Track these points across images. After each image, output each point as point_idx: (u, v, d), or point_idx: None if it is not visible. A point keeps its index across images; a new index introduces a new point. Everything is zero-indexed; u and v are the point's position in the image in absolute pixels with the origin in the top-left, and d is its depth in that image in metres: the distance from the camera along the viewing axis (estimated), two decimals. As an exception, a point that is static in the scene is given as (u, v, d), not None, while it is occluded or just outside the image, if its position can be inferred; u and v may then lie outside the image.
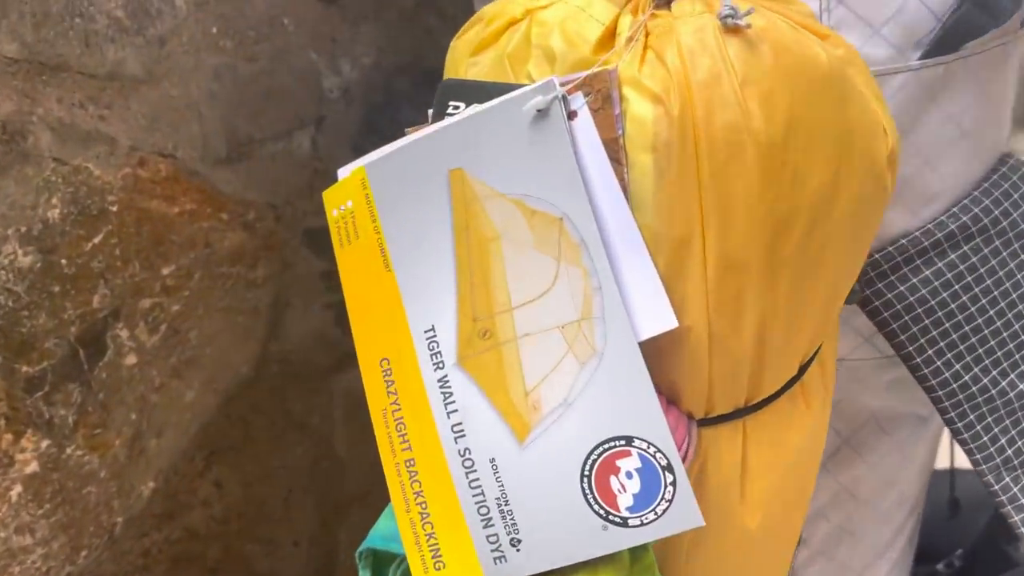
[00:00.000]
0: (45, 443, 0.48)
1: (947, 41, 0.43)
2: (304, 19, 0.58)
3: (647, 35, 0.34)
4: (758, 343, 0.35)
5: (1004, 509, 0.49)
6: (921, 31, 0.43)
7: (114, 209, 0.48)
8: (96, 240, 0.47)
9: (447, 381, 0.35)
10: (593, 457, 0.33)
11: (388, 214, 0.36)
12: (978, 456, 0.49)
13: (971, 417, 0.48)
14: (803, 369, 0.39)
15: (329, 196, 0.39)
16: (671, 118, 0.32)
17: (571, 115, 0.34)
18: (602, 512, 0.33)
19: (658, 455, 0.33)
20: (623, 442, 0.33)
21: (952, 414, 0.48)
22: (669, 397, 0.36)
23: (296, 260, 0.62)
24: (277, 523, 0.69)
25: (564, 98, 0.34)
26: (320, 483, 0.72)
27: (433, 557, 0.35)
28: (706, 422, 0.37)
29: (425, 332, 0.35)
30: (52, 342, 0.47)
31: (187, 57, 0.50)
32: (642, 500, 0.33)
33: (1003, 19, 0.42)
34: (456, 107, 0.36)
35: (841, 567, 0.61)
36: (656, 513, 0.33)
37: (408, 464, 0.36)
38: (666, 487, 0.33)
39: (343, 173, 0.38)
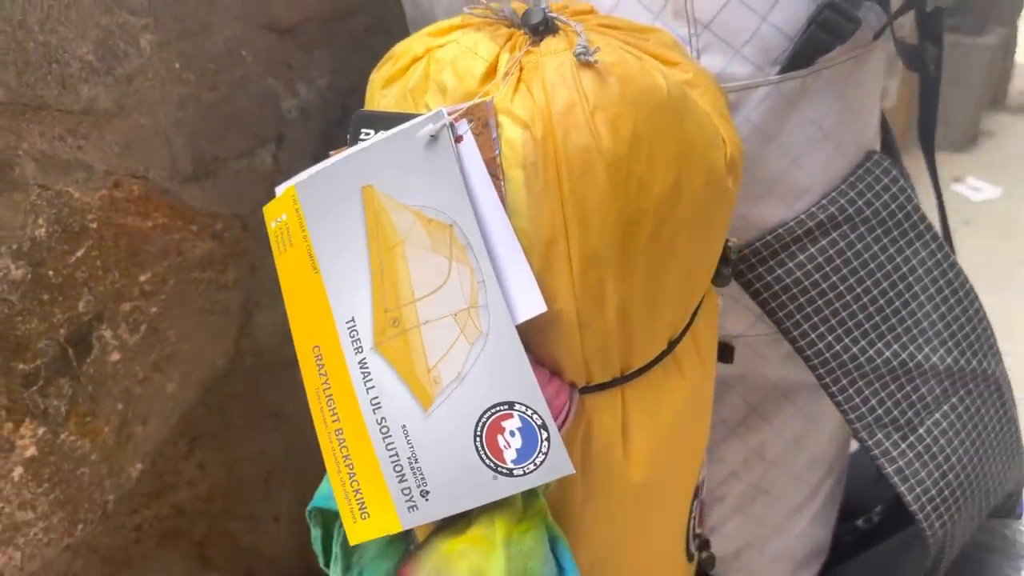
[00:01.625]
0: (41, 430, 0.55)
1: (800, 58, 0.49)
2: (261, 50, 0.65)
3: (521, 70, 0.41)
4: (622, 323, 0.42)
5: (878, 462, 0.56)
6: (776, 50, 0.49)
7: (93, 226, 0.55)
8: (79, 253, 0.55)
9: (366, 363, 0.42)
10: (483, 420, 0.40)
11: (314, 224, 0.44)
12: (852, 416, 0.56)
13: (843, 382, 0.55)
14: (674, 344, 0.46)
15: (268, 210, 0.46)
16: (536, 141, 0.39)
17: (458, 139, 0.41)
18: (492, 465, 0.40)
19: (534, 416, 0.40)
20: (506, 407, 0.40)
21: (827, 380, 0.55)
22: (553, 369, 0.43)
23: (263, 264, 0.69)
24: (258, 502, 0.77)
25: (451, 125, 0.41)
26: (297, 465, 0.80)
27: (360, 509, 0.43)
28: (588, 390, 0.44)
29: (347, 323, 0.43)
30: (44, 343, 0.54)
31: (153, 90, 0.57)
32: (524, 454, 0.40)
33: (845, 38, 0.49)
34: (367, 134, 0.43)
35: (758, 522, 0.68)
36: (535, 464, 0.40)
37: (338, 433, 0.43)
38: (542, 442, 0.40)
39: (279, 191, 0.45)
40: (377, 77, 0.46)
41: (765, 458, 0.65)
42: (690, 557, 0.57)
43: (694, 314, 0.47)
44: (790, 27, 0.49)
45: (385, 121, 0.42)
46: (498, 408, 0.40)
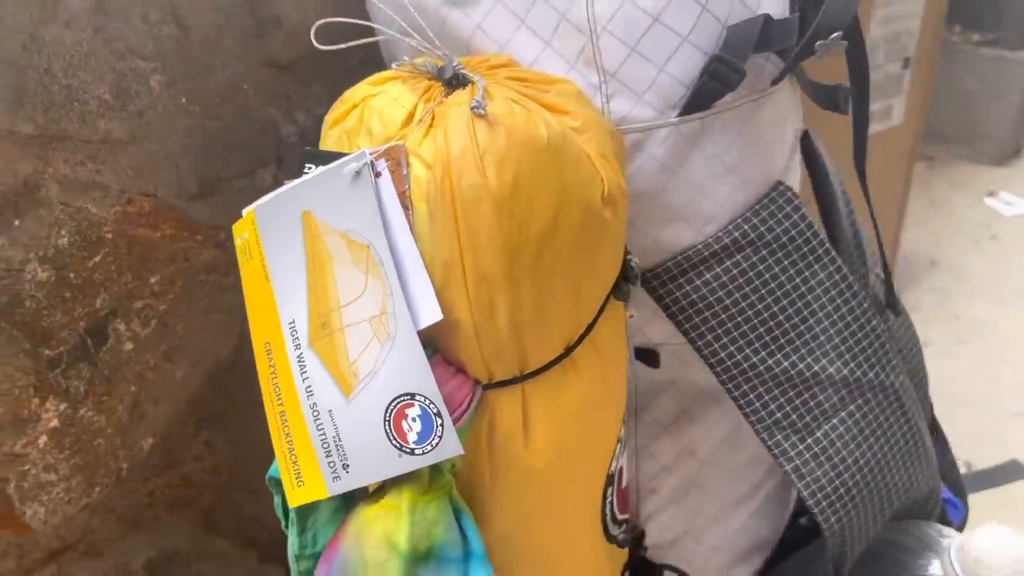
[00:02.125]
0: (63, 406, 0.66)
1: (695, 103, 0.56)
2: (261, 84, 0.75)
3: (433, 118, 0.50)
4: (513, 332, 0.50)
5: (778, 460, 0.63)
6: (674, 97, 0.57)
7: (109, 236, 0.66)
8: (96, 259, 0.65)
9: (303, 357, 0.51)
10: (391, 407, 0.49)
11: (268, 242, 0.53)
12: (752, 418, 0.62)
13: (744, 388, 0.62)
14: (571, 349, 0.54)
15: (236, 228, 0.55)
16: (436, 180, 0.48)
17: (377, 175, 0.49)
18: (398, 445, 0.49)
19: (431, 405, 0.48)
20: (409, 397, 0.49)
21: (729, 385, 0.62)
22: (458, 367, 0.52)
23: (263, 269, 0.79)
24: (261, 478, 0.87)
25: (372, 164, 0.49)
26: (298, 447, 0.89)
27: (296, 478, 0.52)
28: (491, 386, 0.52)
29: (289, 324, 0.52)
30: (66, 332, 0.65)
31: (162, 122, 0.67)
32: (423, 436, 0.48)
33: (734, 86, 0.55)
34: (310, 168, 0.52)
35: (693, 513, 0.75)
36: (432, 445, 0.48)
37: (282, 415, 0.52)
38: (437, 427, 0.48)
39: (244, 212, 0.55)
40: (327, 119, 0.55)
41: (696, 455, 0.72)
42: (611, 539, 0.65)
43: (594, 323, 0.55)
44: (685, 76, 0.56)
45: (324, 158, 0.51)
46: (402, 398, 0.49)
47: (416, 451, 0.49)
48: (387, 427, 0.49)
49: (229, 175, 0.74)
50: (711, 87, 0.56)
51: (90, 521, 0.71)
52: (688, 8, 0.55)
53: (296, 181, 0.52)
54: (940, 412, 1.21)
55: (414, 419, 0.49)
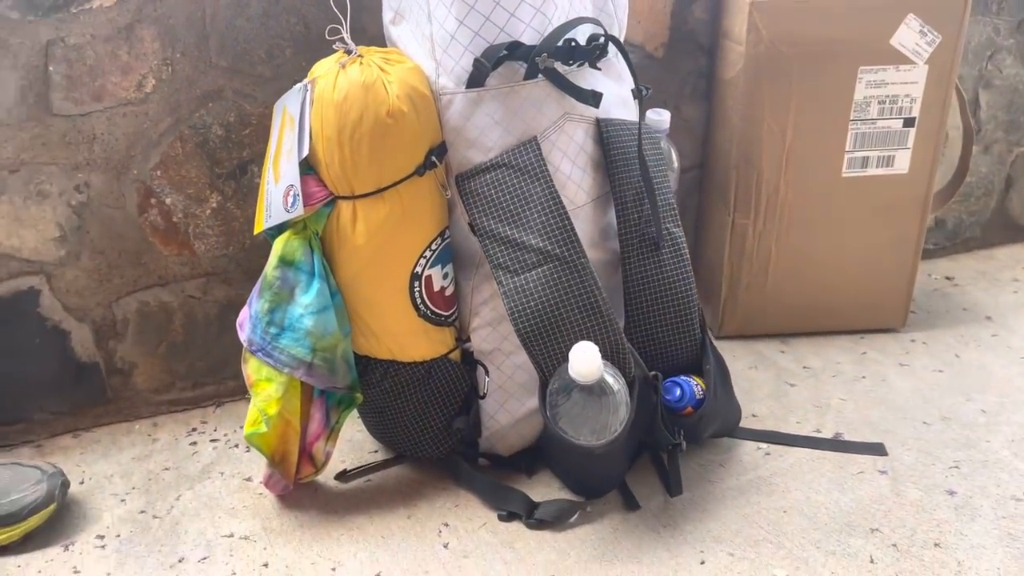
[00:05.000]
0: (219, 198, 1.38)
1: (471, 83, 1.10)
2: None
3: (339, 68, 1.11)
4: (342, 171, 1.09)
5: (497, 286, 1.13)
6: (463, 78, 1.11)
7: (254, 122, 1.36)
8: (246, 132, 1.36)
9: (270, 168, 1.16)
10: (286, 189, 1.11)
11: (274, 118, 1.18)
12: (488, 261, 1.13)
13: (487, 243, 1.13)
14: (381, 191, 1.11)
15: (274, 109, 1.22)
16: (317, 94, 1.09)
17: (308, 91, 1.12)
18: (286, 207, 1.11)
19: (297, 191, 1.09)
20: (291, 185, 1.10)
21: (480, 241, 1.14)
22: (323, 182, 1.12)
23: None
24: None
25: (307, 86, 1.12)
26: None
27: (255, 219, 1.16)
28: (339, 197, 1.12)
29: (271, 153, 1.16)
30: (227, 163, 1.37)
31: (290, 71, 1.36)
32: (293, 204, 1.10)
33: (486, 75, 1.08)
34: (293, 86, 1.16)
35: (503, 337, 1.24)
36: (296, 209, 1.10)
37: (260, 188, 1.17)
38: (299, 201, 1.09)
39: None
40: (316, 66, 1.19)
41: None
42: (421, 314, 1.19)
43: (399, 182, 1.12)
44: (469, 68, 1.10)
45: (298, 83, 1.15)
46: (290, 185, 1.11)
47: (290, 210, 1.11)
48: (283, 198, 1.12)
49: (327, 107, 1.41)
50: (475, 75, 1.10)
51: (228, 265, 1.43)
52: (467, 33, 1.09)
53: (289, 91, 1.17)
54: (867, 415, 1.45)
55: (291, 196, 1.11)
